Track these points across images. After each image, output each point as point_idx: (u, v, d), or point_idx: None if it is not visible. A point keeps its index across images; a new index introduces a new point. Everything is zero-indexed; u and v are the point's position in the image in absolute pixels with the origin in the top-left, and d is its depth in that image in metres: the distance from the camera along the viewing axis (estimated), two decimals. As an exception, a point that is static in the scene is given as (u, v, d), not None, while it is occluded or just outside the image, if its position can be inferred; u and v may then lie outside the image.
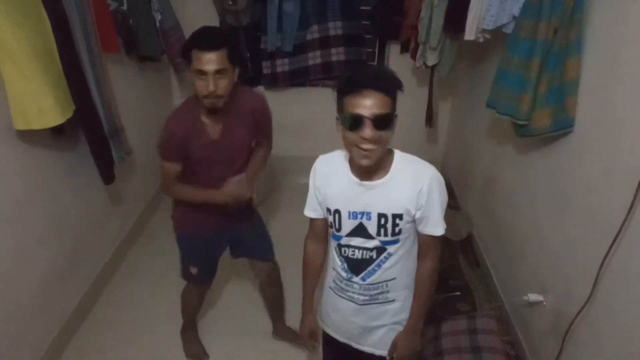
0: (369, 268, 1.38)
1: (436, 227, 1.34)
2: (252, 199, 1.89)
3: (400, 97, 1.26)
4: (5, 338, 1.94)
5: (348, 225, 1.35)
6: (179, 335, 2.38)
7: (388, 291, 1.42)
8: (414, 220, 1.34)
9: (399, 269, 1.39)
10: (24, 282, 2.05)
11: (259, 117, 1.88)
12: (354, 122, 1.17)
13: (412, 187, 1.29)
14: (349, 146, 1.24)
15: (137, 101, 3.12)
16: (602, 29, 1.68)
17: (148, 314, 2.56)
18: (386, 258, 1.37)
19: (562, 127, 1.86)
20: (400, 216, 1.30)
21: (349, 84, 1.19)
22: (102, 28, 2.36)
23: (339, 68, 3.49)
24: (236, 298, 2.66)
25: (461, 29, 2.45)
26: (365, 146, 1.18)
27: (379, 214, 1.31)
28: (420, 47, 2.94)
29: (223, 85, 1.61)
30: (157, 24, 3.06)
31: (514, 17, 2.11)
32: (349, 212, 1.34)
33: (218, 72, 1.58)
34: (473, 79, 3.21)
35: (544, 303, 1.99)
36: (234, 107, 1.77)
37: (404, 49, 3.40)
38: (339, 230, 1.37)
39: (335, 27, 3.40)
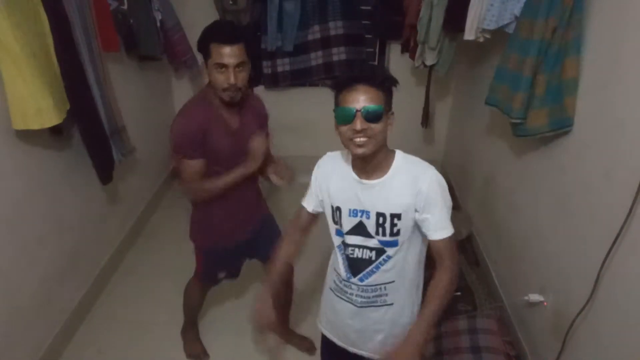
0: (368, 269, 1.38)
1: (441, 230, 1.30)
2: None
3: (400, 97, 1.27)
4: (4, 338, 1.94)
5: (348, 222, 1.37)
6: (179, 335, 2.38)
7: (386, 294, 1.41)
8: (415, 224, 1.33)
9: (397, 272, 1.38)
10: (23, 282, 2.05)
11: (263, 121, 1.91)
12: (346, 116, 1.22)
13: (411, 188, 1.29)
14: (345, 142, 1.28)
15: (137, 100, 3.12)
16: (602, 29, 1.68)
17: (148, 313, 2.56)
18: (385, 260, 1.36)
19: (559, 126, 1.86)
20: (398, 216, 1.30)
21: (342, 81, 1.26)
22: (102, 28, 2.36)
23: (339, 68, 3.49)
24: (237, 298, 2.66)
25: (461, 28, 2.45)
26: (357, 140, 1.23)
27: (377, 213, 1.32)
28: (420, 47, 2.94)
29: (242, 77, 1.65)
30: (158, 24, 3.07)
31: (516, 17, 2.11)
32: (349, 210, 1.35)
33: (238, 65, 1.61)
34: (472, 78, 3.21)
35: (545, 303, 1.99)
36: (247, 102, 1.79)
37: (404, 49, 3.39)
38: (340, 227, 1.39)
39: (335, 27, 3.41)
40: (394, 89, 1.29)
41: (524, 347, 2.19)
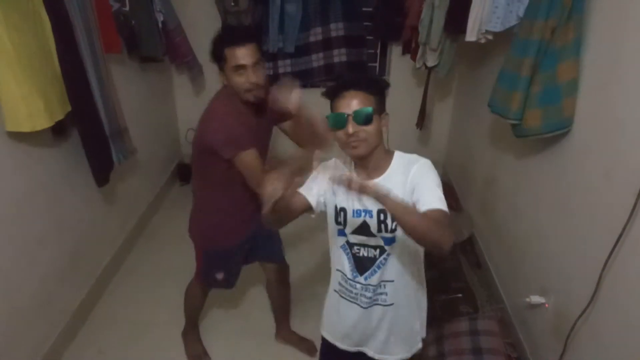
0: (371, 268, 1.40)
1: (433, 203, 1.23)
2: None
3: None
4: (5, 338, 1.94)
5: (352, 223, 1.39)
6: (180, 335, 2.37)
7: (386, 293, 1.43)
8: None
9: (397, 271, 1.40)
10: (24, 282, 2.05)
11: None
12: (338, 121, 1.27)
13: (405, 178, 1.32)
14: (342, 146, 1.31)
15: (138, 101, 3.13)
16: (602, 30, 1.68)
17: (149, 314, 2.56)
18: (385, 259, 1.38)
19: (555, 128, 1.85)
20: None
21: (332, 89, 1.32)
22: (104, 29, 2.37)
23: (340, 69, 3.49)
24: (238, 299, 2.66)
25: (462, 30, 2.45)
26: (352, 142, 1.27)
27: (378, 210, 1.34)
28: (421, 48, 2.94)
29: (261, 75, 1.67)
30: (160, 25, 3.07)
31: (520, 19, 2.11)
32: (353, 210, 1.38)
33: (254, 63, 1.63)
34: (473, 79, 3.21)
35: (546, 305, 1.98)
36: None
37: (406, 50, 3.40)
38: (344, 227, 1.40)
39: (337, 29, 3.41)
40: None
41: (525, 349, 2.18)
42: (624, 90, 1.54)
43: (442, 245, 1.15)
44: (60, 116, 2.02)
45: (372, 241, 1.38)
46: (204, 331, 2.41)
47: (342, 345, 1.57)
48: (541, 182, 2.11)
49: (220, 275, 2.05)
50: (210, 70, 3.61)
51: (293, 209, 1.37)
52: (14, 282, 1.98)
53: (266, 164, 1.78)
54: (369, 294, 1.43)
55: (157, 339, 2.40)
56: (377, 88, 1.32)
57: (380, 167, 1.36)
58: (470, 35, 2.40)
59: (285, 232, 2.68)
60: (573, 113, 1.81)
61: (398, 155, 1.38)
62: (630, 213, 1.42)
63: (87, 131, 2.25)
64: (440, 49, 2.84)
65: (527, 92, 1.90)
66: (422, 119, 3.39)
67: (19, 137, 1.93)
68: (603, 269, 1.56)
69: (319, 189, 1.46)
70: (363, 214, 1.36)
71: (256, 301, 2.61)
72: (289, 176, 1.14)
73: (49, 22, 1.92)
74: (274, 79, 3.56)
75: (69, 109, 2.09)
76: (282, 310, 2.37)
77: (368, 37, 3.49)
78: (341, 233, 1.43)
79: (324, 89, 1.36)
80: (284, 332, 2.39)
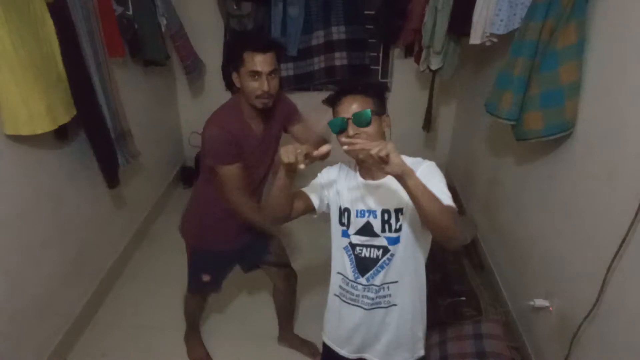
0: (374, 268, 1.40)
1: (445, 199, 1.22)
2: None
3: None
4: (8, 341, 1.94)
5: (356, 223, 1.40)
6: (183, 342, 2.37)
7: (390, 294, 1.43)
8: (418, 222, 1.33)
9: (401, 272, 1.40)
10: (28, 285, 2.05)
11: (287, 112, 1.91)
12: (339, 125, 1.30)
13: None
14: (346, 151, 1.30)
15: (141, 105, 3.14)
16: (606, 32, 1.67)
17: (152, 317, 2.56)
18: (389, 259, 1.39)
19: (557, 131, 1.85)
20: (401, 210, 1.35)
21: (332, 97, 1.37)
22: (107, 33, 2.38)
23: (342, 72, 3.49)
24: (240, 302, 2.66)
25: (465, 33, 2.45)
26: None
27: (382, 210, 1.36)
28: (424, 51, 2.94)
29: (274, 85, 1.69)
30: (163, 29, 3.08)
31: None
32: (357, 211, 1.40)
33: (270, 72, 1.65)
34: (477, 82, 3.21)
35: (550, 308, 1.97)
36: (272, 107, 1.81)
37: (408, 53, 3.40)
38: (347, 228, 1.42)
39: (338, 32, 3.42)
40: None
41: (529, 353, 2.17)
42: (627, 93, 1.53)
43: (453, 234, 1.18)
44: (64, 120, 2.03)
45: (375, 241, 1.39)
46: (205, 335, 2.41)
47: (343, 351, 1.56)
48: (544, 184, 2.11)
49: (206, 278, 2.04)
50: (213, 73, 3.63)
51: (296, 206, 1.41)
52: (17, 284, 1.99)
53: (272, 170, 1.79)
54: (371, 295, 1.43)
55: (160, 342, 2.40)
56: (374, 91, 1.36)
57: None
58: (475, 38, 2.40)
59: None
60: (575, 115, 1.81)
61: (403, 158, 1.38)
62: (635, 215, 1.42)
63: (95, 134, 2.27)
64: (443, 51, 2.84)
65: (522, 93, 1.92)
66: (429, 122, 3.40)
67: (22, 140, 1.93)
68: (607, 272, 1.55)
69: (323, 190, 1.47)
70: (367, 214, 1.38)
71: (258, 304, 2.61)
72: (305, 149, 1.20)
73: (53, 26, 1.92)
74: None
75: (75, 112, 2.10)
76: (286, 316, 2.36)
77: (370, 40, 3.49)
78: (344, 234, 1.43)
79: (325, 92, 1.37)
80: (287, 335, 2.39)
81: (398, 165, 1.12)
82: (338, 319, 1.54)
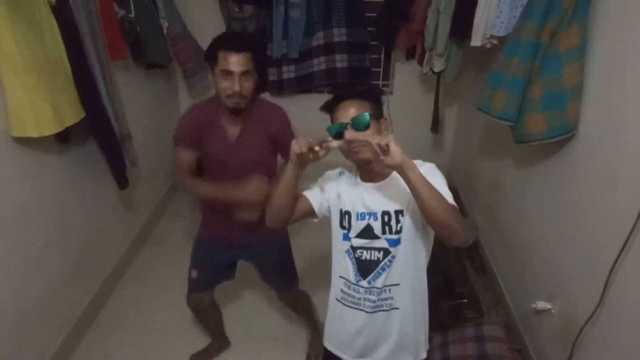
0: (375, 271, 1.40)
1: (447, 198, 1.24)
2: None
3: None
4: (10, 344, 1.95)
5: (357, 226, 1.40)
6: (185, 340, 2.37)
7: (391, 297, 1.42)
8: (419, 223, 1.35)
9: (402, 274, 1.40)
10: (29, 287, 2.06)
11: (279, 130, 1.82)
12: (337, 131, 1.29)
13: None
14: (347, 156, 1.35)
15: (143, 108, 3.15)
16: (608, 35, 1.67)
17: (154, 319, 2.56)
18: (390, 261, 1.38)
19: (559, 133, 1.85)
20: (401, 212, 1.35)
21: (329, 103, 1.38)
22: (109, 36, 2.39)
23: (342, 74, 3.50)
24: (242, 304, 2.66)
25: (467, 35, 2.45)
26: (353, 149, 1.30)
27: (382, 212, 1.36)
28: (427, 54, 2.95)
29: (247, 86, 1.67)
30: (165, 32, 3.09)
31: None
32: (357, 214, 1.40)
33: (243, 73, 1.64)
34: (479, 84, 3.20)
35: (552, 311, 1.97)
36: (253, 113, 1.78)
37: (410, 56, 3.40)
38: (348, 231, 1.42)
39: (339, 34, 3.42)
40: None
41: (531, 355, 2.17)
42: (630, 95, 1.53)
43: (455, 230, 1.19)
44: (71, 122, 2.04)
45: (376, 243, 1.39)
46: (205, 338, 2.39)
47: (345, 356, 1.55)
48: (546, 186, 2.11)
49: (194, 273, 2.02)
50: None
51: (297, 209, 1.43)
52: (20, 286, 1.99)
53: (270, 182, 1.72)
54: (373, 298, 1.42)
55: (163, 344, 2.40)
56: (370, 95, 1.38)
57: (385, 172, 1.38)
58: (476, 41, 2.41)
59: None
60: (578, 117, 1.81)
61: None
62: (637, 216, 1.41)
63: (103, 136, 2.29)
64: (446, 54, 2.84)
65: (519, 94, 1.92)
66: (437, 124, 3.41)
67: (26, 143, 1.94)
68: (610, 274, 1.55)
69: (323, 194, 1.48)
70: (367, 216, 1.39)
71: (259, 306, 2.61)
72: (314, 142, 1.24)
73: (58, 29, 1.94)
74: (278, 84, 3.58)
75: (82, 115, 2.11)
76: (307, 324, 2.38)
77: (372, 43, 3.50)
78: (345, 237, 1.43)
79: (327, 95, 1.37)
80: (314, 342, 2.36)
81: (398, 155, 1.15)
82: (340, 323, 1.53)
